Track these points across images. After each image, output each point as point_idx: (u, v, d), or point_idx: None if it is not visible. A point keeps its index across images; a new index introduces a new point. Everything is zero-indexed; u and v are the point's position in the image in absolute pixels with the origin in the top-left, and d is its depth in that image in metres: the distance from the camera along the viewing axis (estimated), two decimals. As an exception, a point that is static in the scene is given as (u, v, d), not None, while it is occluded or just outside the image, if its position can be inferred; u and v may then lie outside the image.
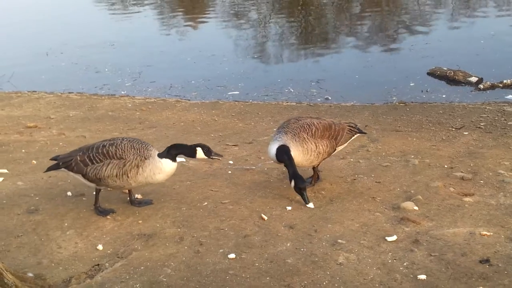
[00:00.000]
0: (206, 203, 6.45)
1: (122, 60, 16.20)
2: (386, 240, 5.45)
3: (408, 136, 8.88)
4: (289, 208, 6.25)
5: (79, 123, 10.39)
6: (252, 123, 10.22)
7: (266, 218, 6.00)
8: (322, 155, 6.52)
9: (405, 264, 5.03)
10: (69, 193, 6.83)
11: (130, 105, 11.74)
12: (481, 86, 11.83)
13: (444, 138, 8.71)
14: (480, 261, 4.96)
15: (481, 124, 9.33)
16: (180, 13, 24.58)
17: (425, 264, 5.00)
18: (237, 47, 17.52)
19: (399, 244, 5.37)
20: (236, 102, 11.90)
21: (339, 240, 5.49)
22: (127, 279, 5.07)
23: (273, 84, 13.14)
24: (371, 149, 8.25)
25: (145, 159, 5.94)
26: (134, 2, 26.96)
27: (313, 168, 6.85)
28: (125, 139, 6.09)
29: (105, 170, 5.93)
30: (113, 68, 15.34)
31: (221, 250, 5.44)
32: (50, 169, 6.31)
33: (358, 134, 6.96)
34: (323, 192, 6.65)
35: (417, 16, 20.19)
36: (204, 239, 5.66)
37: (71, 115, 11.06)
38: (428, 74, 12.94)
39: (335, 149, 6.68)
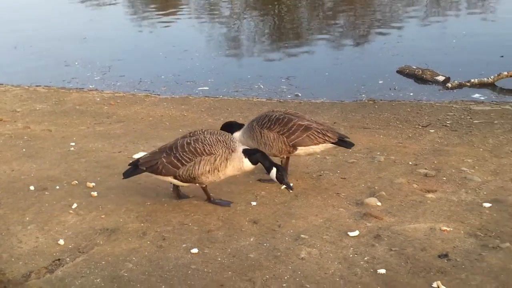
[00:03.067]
0: (170, 198, 6.42)
1: (93, 53, 16.05)
2: (348, 235, 5.49)
3: (376, 133, 8.95)
4: (254, 203, 6.25)
5: (45, 117, 10.26)
6: (222, 119, 10.15)
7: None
8: (271, 147, 6.55)
9: (365, 258, 5.07)
10: (31, 187, 6.75)
11: (98, 99, 11.63)
12: (449, 85, 11.97)
13: (410, 135, 8.80)
14: (439, 256, 5.03)
15: (447, 122, 9.44)
16: (154, 8, 24.42)
17: (385, 258, 5.06)
18: (209, 43, 17.48)
19: (361, 239, 5.41)
20: (206, 98, 11.87)
21: (302, 235, 5.51)
22: (87, 274, 5.04)
23: (244, 80, 13.13)
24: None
25: (232, 151, 5.90)
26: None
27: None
28: (205, 132, 6.01)
29: (198, 169, 5.84)
30: (83, 61, 15.19)
31: (184, 245, 5.43)
32: (130, 174, 6.10)
33: (332, 145, 6.60)
34: (288, 188, 6.66)
35: (390, 15, 20.36)
36: (167, 234, 5.64)
37: (37, 108, 10.91)
38: (398, 72, 13.04)
39: (295, 149, 6.56)
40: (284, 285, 4.76)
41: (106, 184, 6.83)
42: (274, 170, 5.93)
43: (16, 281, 5.01)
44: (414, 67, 12.85)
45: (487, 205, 5.99)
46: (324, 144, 6.57)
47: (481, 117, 9.62)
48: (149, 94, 12.28)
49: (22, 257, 5.34)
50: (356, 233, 5.51)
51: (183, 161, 5.85)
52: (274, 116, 6.66)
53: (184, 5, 24.74)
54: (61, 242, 5.55)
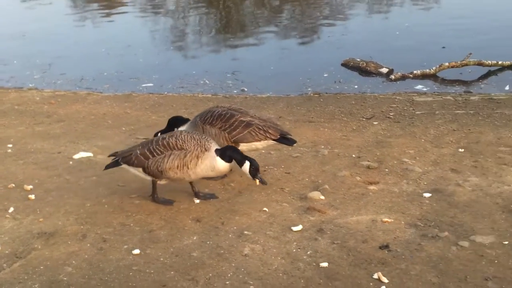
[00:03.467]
0: (112, 199, 6.29)
1: (32, 51, 15.52)
2: (291, 230, 5.49)
3: (320, 127, 8.99)
4: (197, 201, 6.18)
5: (-19, 118, 9.89)
6: (166, 116, 9.96)
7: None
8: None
9: (308, 252, 5.08)
10: (-35, 192, 6.49)
11: (38, 98, 11.29)
12: (392, 76, 12.13)
13: (354, 128, 8.87)
14: (380, 247, 5.08)
15: (391, 114, 9.56)
16: (96, 3, 23.88)
17: (327, 252, 5.07)
18: (154, 38, 17.23)
19: (304, 234, 5.42)
20: (150, 94, 11.68)
21: (245, 232, 5.48)
22: (25, 280, 4.89)
23: (189, 76, 12.97)
24: (283, 140, 8.29)
25: (206, 150, 5.77)
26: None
27: None
28: (184, 131, 5.97)
29: (167, 162, 5.75)
30: (22, 59, 14.69)
31: (125, 246, 5.32)
32: (109, 166, 6.12)
33: (274, 142, 6.59)
34: (232, 184, 6.61)
35: (335, 8, 20.52)
36: (108, 235, 5.52)
37: (-27, 109, 10.53)
38: (342, 65, 13.13)
39: (237, 145, 6.48)
40: (227, 282, 4.72)
41: (44, 187, 6.63)
42: (246, 164, 5.81)
43: None
44: (358, 59, 12.98)
45: (427, 195, 6.10)
46: (265, 141, 6.54)
47: (423, 108, 9.79)
48: (91, 92, 11.99)
49: (-45, 265, 5.12)
50: (299, 227, 5.51)
51: (154, 154, 5.82)
52: (216, 111, 6.61)
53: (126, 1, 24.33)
54: (-3, 247, 5.36)
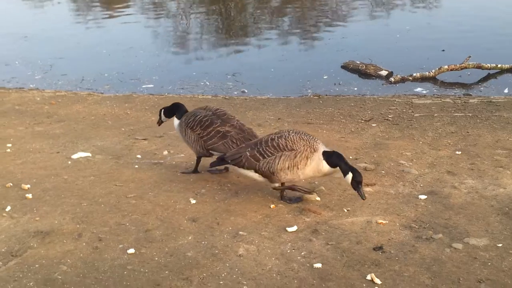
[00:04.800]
0: (108, 198, 6.31)
1: (34, 52, 15.64)
2: (286, 230, 5.50)
3: (319, 128, 9.01)
4: (193, 201, 6.20)
5: (-18, 118, 9.94)
6: (165, 117, 10.07)
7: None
8: (191, 147, 6.82)
9: (303, 253, 5.09)
10: (-37, 191, 6.53)
11: (38, 99, 11.33)
12: (391, 79, 12.16)
13: (353, 130, 8.89)
14: (374, 249, 5.09)
15: (390, 116, 9.58)
16: (98, 5, 23.99)
17: (322, 253, 5.09)
18: (155, 40, 17.29)
19: (299, 234, 5.43)
20: (151, 96, 11.71)
21: (240, 232, 5.50)
22: (20, 278, 4.90)
23: (189, 77, 13.03)
24: (281, 141, 8.30)
25: (314, 151, 5.76)
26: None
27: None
28: (291, 131, 5.94)
29: (278, 163, 5.75)
30: (24, 60, 14.79)
31: (120, 246, 5.34)
32: (214, 164, 6.25)
33: None
34: (229, 185, 6.63)
35: (336, 11, 20.57)
36: (104, 234, 5.54)
37: (-26, 109, 10.58)
38: (342, 67, 13.19)
39: (212, 153, 6.65)
40: (221, 282, 4.74)
41: (42, 186, 6.66)
42: (349, 175, 5.63)
43: None
44: (358, 62, 13.01)
45: (422, 197, 6.11)
46: None
47: (422, 110, 9.80)
48: (91, 93, 12.04)
49: (-49, 263, 5.15)
50: (294, 228, 5.52)
51: (264, 155, 5.83)
52: (199, 117, 6.71)
53: (129, 1, 24.38)
54: (-7, 246, 5.39)
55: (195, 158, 6.98)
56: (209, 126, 6.58)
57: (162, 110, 7.31)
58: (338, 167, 5.76)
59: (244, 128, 6.66)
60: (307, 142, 5.81)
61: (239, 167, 6.04)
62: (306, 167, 5.78)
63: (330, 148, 5.96)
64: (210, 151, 6.65)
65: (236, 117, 6.86)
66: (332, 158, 5.77)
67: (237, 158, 5.99)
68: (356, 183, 5.62)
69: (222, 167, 7.00)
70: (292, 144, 5.80)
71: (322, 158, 5.77)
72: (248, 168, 5.98)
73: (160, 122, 7.43)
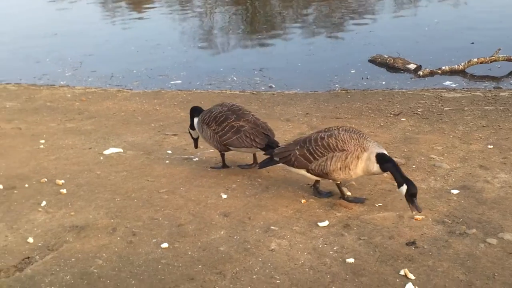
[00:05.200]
0: (141, 193, 6.40)
1: (64, 49, 15.85)
2: (318, 225, 5.52)
3: (348, 123, 8.97)
4: (224, 196, 6.25)
5: (15, 115, 10.13)
6: (194, 112, 10.15)
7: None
8: (209, 143, 6.89)
9: (335, 248, 5.11)
10: (0, 186, 6.66)
11: (69, 96, 11.50)
12: (420, 73, 12.05)
13: (382, 124, 8.85)
14: (407, 244, 5.08)
15: (419, 110, 9.50)
16: (126, 2, 24.17)
17: (354, 247, 5.09)
18: (182, 36, 17.37)
19: (330, 229, 5.45)
20: (179, 91, 11.80)
21: (272, 227, 5.53)
22: (57, 271, 5.01)
23: (216, 73, 13.08)
24: (310, 136, 8.31)
25: (364, 150, 5.67)
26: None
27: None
28: (340, 129, 5.87)
29: (330, 165, 5.70)
30: (54, 58, 15.01)
31: (154, 240, 5.41)
32: (265, 165, 6.16)
33: (258, 149, 6.55)
34: (259, 180, 6.67)
35: (364, 4, 20.39)
36: (138, 229, 5.62)
37: (7, 106, 10.77)
38: (369, 61, 13.10)
39: (228, 148, 6.71)
40: (254, 277, 4.77)
41: (75, 181, 6.78)
42: (404, 188, 5.41)
43: (-16, 280, 4.96)
44: (386, 56, 12.91)
45: (455, 192, 6.07)
46: (252, 148, 6.63)
47: (452, 104, 9.70)
48: (121, 89, 12.17)
49: (-9, 257, 5.28)
50: (325, 223, 5.54)
51: (315, 155, 5.77)
52: (214, 112, 6.78)
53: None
54: (30, 240, 5.51)
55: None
56: (223, 121, 6.64)
57: (189, 129, 7.40)
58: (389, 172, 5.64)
59: (258, 122, 6.69)
60: (358, 141, 5.69)
61: (289, 166, 5.99)
62: (357, 167, 5.70)
63: (382, 148, 5.78)
64: (227, 146, 6.70)
65: (252, 112, 6.89)
66: (387, 165, 5.58)
67: (286, 156, 5.93)
68: (410, 196, 5.39)
69: (252, 161, 7.06)
70: (343, 144, 5.70)
71: (374, 160, 5.62)
72: (298, 167, 5.92)
73: (195, 142, 7.46)
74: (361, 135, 5.81)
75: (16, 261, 5.21)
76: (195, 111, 7.21)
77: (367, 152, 5.66)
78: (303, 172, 5.95)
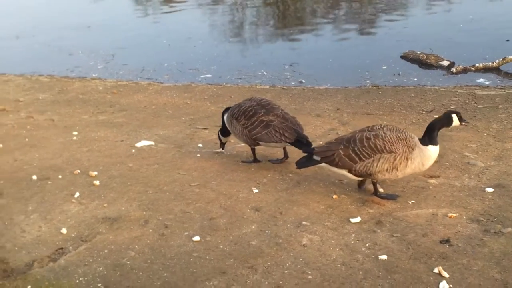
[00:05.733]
0: (173, 186, 6.43)
1: (97, 42, 16.05)
2: (350, 221, 5.48)
3: (379, 119, 8.90)
4: (255, 190, 6.25)
5: (48, 106, 10.27)
6: (224, 106, 10.06)
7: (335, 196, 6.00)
8: (239, 138, 6.91)
9: (367, 245, 5.06)
10: (34, 177, 6.77)
11: (101, 88, 11.63)
12: (453, 69, 11.88)
13: (414, 121, 8.75)
14: (441, 241, 5.01)
15: (452, 107, 9.37)
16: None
17: (387, 244, 5.05)
18: (212, 30, 17.42)
19: (362, 226, 5.40)
20: (209, 85, 11.84)
21: (303, 222, 5.51)
22: (90, 262, 5.06)
23: (247, 67, 13.09)
24: (341, 132, 8.26)
25: (412, 149, 5.65)
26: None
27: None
28: (385, 128, 5.79)
29: (376, 166, 5.67)
30: (87, 50, 15.20)
31: (186, 233, 5.44)
32: (304, 165, 6.02)
33: (287, 143, 6.59)
34: (290, 175, 6.65)
35: (397, 0, 20.16)
36: (169, 222, 5.65)
37: (40, 98, 10.93)
38: (402, 57, 12.95)
39: (257, 143, 6.73)
40: (286, 272, 4.76)
41: (108, 173, 6.84)
42: (454, 116, 5.76)
43: (19, 270, 5.04)
44: (419, 52, 12.76)
45: (489, 190, 5.97)
46: (281, 143, 6.62)
47: (486, 101, 9.55)
48: (152, 83, 12.26)
49: (25, 246, 5.37)
50: (358, 219, 5.50)
51: (361, 156, 5.70)
52: (243, 107, 6.80)
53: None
54: (64, 231, 5.58)
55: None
56: (253, 116, 6.65)
57: (219, 133, 7.39)
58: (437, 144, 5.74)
59: (287, 117, 6.67)
60: (405, 142, 5.64)
61: (331, 166, 5.87)
62: (406, 168, 5.66)
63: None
64: (256, 141, 6.70)
65: (281, 107, 6.88)
66: (430, 133, 5.69)
67: (330, 156, 5.81)
68: (459, 117, 5.76)
69: (282, 156, 7.04)
70: (391, 145, 5.63)
71: (425, 146, 5.66)
72: (341, 168, 5.83)
73: (222, 145, 7.47)
74: (406, 133, 5.74)
75: (50, 251, 5.29)
76: (225, 111, 7.20)
77: (415, 150, 5.63)
78: (343, 172, 5.87)
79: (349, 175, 5.87)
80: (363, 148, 5.68)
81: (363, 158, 5.67)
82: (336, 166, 5.81)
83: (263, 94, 10.70)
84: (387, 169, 5.64)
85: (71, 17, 19.70)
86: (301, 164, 6.04)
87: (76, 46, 15.62)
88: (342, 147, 5.77)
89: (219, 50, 14.79)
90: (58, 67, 13.76)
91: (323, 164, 5.91)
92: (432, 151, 5.70)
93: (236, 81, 12.25)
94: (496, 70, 11.77)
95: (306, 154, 6.05)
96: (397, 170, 5.65)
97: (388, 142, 5.64)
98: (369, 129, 5.85)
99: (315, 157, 5.91)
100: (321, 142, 7.69)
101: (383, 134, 5.68)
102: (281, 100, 10.26)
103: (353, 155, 5.70)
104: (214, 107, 10.07)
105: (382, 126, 5.83)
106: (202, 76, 12.69)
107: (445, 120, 5.76)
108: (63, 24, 18.47)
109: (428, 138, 5.70)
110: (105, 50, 15.06)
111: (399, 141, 5.64)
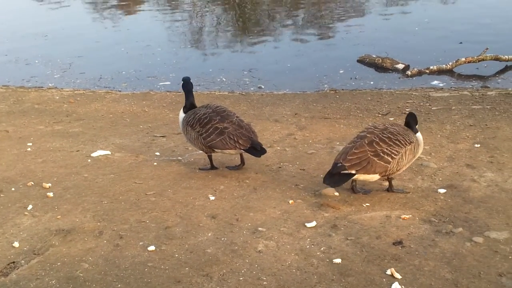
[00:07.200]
0: (128, 196, 6.37)
1: (54, 51, 15.79)
2: (305, 226, 5.51)
3: (336, 123, 9.00)
4: (212, 198, 6.24)
5: (3, 117, 10.05)
6: (183, 114, 10.12)
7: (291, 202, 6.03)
8: (195, 145, 6.92)
9: (322, 249, 5.10)
10: (-14, 190, 6.62)
11: (57, 98, 11.45)
12: (408, 72, 12.09)
13: (370, 124, 8.83)
14: (394, 243, 5.08)
15: (407, 109, 9.52)
16: (115, 3, 24.08)
17: (341, 248, 5.09)
18: (171, 37, 17.32)
19: (318, 230, 5.44)
20: (168, 93, 11.78)
21: (259, 228, 5.52)
22: (42, 276, 4.96)
23: (206, 74, 13.08)
24: (299, 137, 8.33)
25: (415, 137, 6.09)
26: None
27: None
28: (388, 125, 6.08)
29: (405, 159, 5.90)
30: (43, 59, 14.95)
31: (141, 243, 5.38)
32: (339, 183, 5.91)
33: (242, 150, 6.64)
34: (247, 181, 6.66)
35: (354, 5, 20.44)
36: (124, 232, 5.59)
37: (-6, 109, 10.71)
38: (358, 61, 13.14)
39: (212, 150, 6.77)
40: (241, 278, 4.76)
41: (62, 184, 6.74)
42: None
43: (-31, 286, 4.92)
44: (374, 56, 12.95)
45: (442, 191, 6.09)
46: (236, 150, 6.66)
47: (440, 103, 9.75)
48: (109, 91, 12.13)
49: (-24, 262, 5.23)
50: (313, 224, 5.53)
51: (392, 155, 5.81)
52: (198, 114, 6.80)
53: (145, 0, 24.49)
54: (16, 244, 5.46)
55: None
56: (207, 123, 6.66)
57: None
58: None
59: (242, 124, 6.72)
60: (408, 131, 6.03)
61: (368, 174, 5.84)
62: (417, 154, 6.08)
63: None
64: (211, 148, 6.73)
65: (236, 114, 6.91)
66: (415, 123, 6.18)
67: (365, 166, 5.75)
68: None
69: (239, 162, 7.06)
70: (407, 137, 5.92)
71: (415, 134, 6.08)
72: (374, 173, 5.84)
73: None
74: (402, 125, 6.16)
75: (1, 265, 5.15)
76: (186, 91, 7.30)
77: (416, 137, 6.07)
78: (376, 176, 5.91)
79: (377, 177, 5.95)
80: (392, 148, 5.83)
81: (394, 156, 5.82)
82: (374, 173, 5.84)
83: (222, 101, 10.72)
84: (411, 160, 5.97)
85: (28, 26, 19.35)
86: (335, 183, 5.92)
87: (33, 55, 15.34)
88: (372, 154, 5.78)
89: (178, 57, 14.74)
90: (13, 77, 13.49)
91: (359, 176, 5.90)
92: (420, 138, 6.15)
93: (195, 88, 12.02)
94: (450, 72, 12.06)
95: (334, 169, 5.86)
96: (413, 156, 5.98)
97: (402, 134, 5.94)
98: (379, 129, 5.99)
99: (350, 172, 5.78)
100: (278, 147, 7.76)
101: (394, 130, 5.97)
102: (240, 106, 10.28)
103: (386, 156, 5.81)
104: (173, 115, 10.02)
105: (379, 124, 6.15)
106: (160, 83, 12.62)
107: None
108: (20, 33, 18.13)
109: (413, 127, 6.15)
110: (62, 59, 14.84)
111: (406, 131, 6.03)
